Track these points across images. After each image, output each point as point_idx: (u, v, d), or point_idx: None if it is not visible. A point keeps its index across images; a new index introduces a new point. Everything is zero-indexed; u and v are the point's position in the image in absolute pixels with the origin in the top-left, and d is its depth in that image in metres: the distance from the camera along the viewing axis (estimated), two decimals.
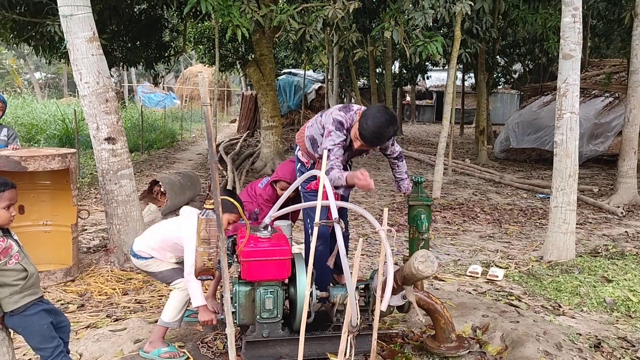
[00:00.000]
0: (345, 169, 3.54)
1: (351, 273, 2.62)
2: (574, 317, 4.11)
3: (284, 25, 7.75)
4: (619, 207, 8.39)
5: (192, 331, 3.55)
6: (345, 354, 2.67)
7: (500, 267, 5.35)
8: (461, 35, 8.48)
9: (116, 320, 3.87)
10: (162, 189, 7.41)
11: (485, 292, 4.63)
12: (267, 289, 3.00)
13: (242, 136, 17.92)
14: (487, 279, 5.02)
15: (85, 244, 5.84)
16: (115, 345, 3.35)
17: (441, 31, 12.46)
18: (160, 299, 4.30)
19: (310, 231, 3.55)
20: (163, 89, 33.05)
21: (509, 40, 18.66)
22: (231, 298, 2.99)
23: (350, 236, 4.49)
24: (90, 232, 6.33)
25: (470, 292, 4.56)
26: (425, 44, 7.39)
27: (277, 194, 3.92)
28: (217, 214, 2.43)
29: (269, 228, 3.16)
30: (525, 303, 4.34)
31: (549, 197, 9.58)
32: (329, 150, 3.27)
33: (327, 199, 2.77)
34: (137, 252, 3.36)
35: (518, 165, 14.28)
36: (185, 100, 31.02)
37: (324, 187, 2.77)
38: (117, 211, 5.09)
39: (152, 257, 3.34)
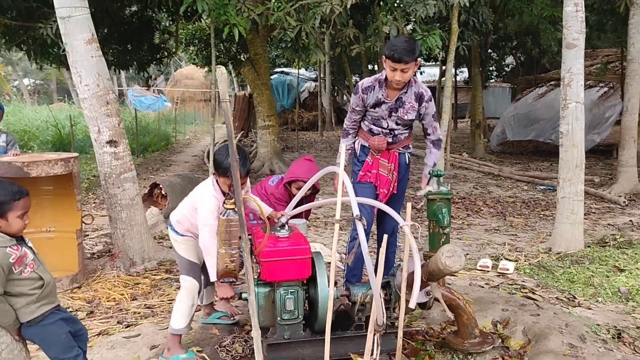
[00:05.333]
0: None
1: (376, 270, 2.56)
2: (590, 308, 4.07)
3: (280, 23, 7.64)
4: (620, 196, 8.38)
5: (210, 335, 3.48)
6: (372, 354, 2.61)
7: (510, 260, 5.30)
8: (458, 29, 8.41)
9: (128, 326, 3.79)
10: (162, 192, 7.31)
11: (498, 285, 4.57)
12: (287, 289, 2.92)
13: (237, 136, 17.82)
14: (498, 273, 4.97)
15: (89, 249, 5.74)
16: (131, 352, 3.26)
17: (437, 25, 12.39)
18: (170, 303, 4.20)
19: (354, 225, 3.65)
20: (154, 92, 32.78)
21: (501, 33, 18.61)
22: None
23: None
24: (92, 238, 6.23)
25: (483, 287, 4.50)
26: (424, 38, 7.32)
27: (289, 194, 3.84)
28: (239, 214, 2.35)
29: (287, 227, 3.09)
30: (540, 296, 4.28)
31: (550, 189, 9.65)
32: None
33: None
34: (173, 223, 3.27)
35: (515, 158, 14.28)
36: (177, 102, 30.75)
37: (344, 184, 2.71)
38: (121, 215, 5.01)
39: (183, 236, 3.23)
